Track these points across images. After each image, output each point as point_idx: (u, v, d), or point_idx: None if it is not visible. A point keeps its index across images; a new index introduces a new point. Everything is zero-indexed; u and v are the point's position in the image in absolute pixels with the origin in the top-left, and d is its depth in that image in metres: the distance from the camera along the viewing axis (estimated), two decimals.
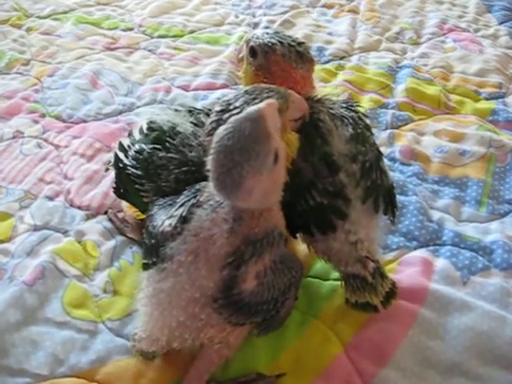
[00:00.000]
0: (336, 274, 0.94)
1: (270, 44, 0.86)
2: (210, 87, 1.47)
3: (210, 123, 0.77)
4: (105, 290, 0.98)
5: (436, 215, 1.11)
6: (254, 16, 1.82)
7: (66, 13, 1.82)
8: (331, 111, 0.86)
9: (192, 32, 1.72)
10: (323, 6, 1.89)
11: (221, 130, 0.67)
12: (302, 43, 0.88)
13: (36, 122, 1.36)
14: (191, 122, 0.94)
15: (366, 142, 0.87)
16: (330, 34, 1.72)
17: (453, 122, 1.35)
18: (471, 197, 1.15)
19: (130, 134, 0.97)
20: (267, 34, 0.88)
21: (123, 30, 1.73)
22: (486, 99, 1.45)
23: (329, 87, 1.45)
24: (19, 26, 1.75)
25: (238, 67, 1.43)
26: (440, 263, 1.01)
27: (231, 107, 0.75)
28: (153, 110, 1.37)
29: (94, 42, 1.66)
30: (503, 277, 0.99)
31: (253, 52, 0.88)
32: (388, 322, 0.90)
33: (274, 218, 0.75)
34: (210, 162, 0.68)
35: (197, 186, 0.78)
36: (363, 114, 0.90)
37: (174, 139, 0.90)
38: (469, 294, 0.96)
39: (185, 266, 0.73)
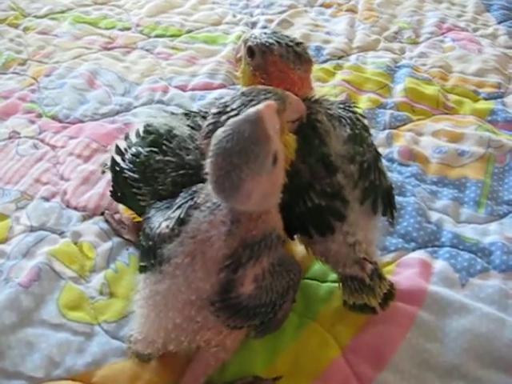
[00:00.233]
0: (334, 276, 0.94)
1: (267, 44, 0.86)
2: (208, 87, 1.46)
3: (207, 126, 0.76)
4: (101, 291, 0.97)
5: (434, 216, 1.10)
6: (251, 15, 1.81)
7: (63, 12, 1.81)
8: (329, 112, 0.86)
9: (189, 31, 1.72)
10: (321, 5, 1.88)
11: (219, 133, 0.67)
12: (300, 43, 0.87)
13: (32, 122, 1.35)
14: (188, 125, 0.93)
15: (363, 143, 0.86)
16: (328, 33, 1.71)
17: (451, 122, 1.35)
18: (470, 198, 1.15)
19: (127, 137, 0.97)
20: (265, 33, 0.88)
21: (120, 30, 1.72)
22: (485, 99, 1.45)
23: (327, 87, 1.44)
24: (16, 26, 1.74)
25: (236, 67, 1.43)
26: (438, 265, 1.00)
27: (228, 109, 0.75)
28: (150, 110, 1.37)
29: (91, 42, 1.66)
30: (502, 279, 0.99)
31: (250, 52, 0.88)
32: (386, 325, 0.90)
33: (272, 220, 0.74)
34: (208, 164, 0.68)
35: (194, 188, 0.77)
36: (361, 115, 0.90)
37: (170, 142, 0.90)
38: (467, 296, 0.95)
39: (181, 268, 0.73)
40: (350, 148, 0.84)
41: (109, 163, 0.98)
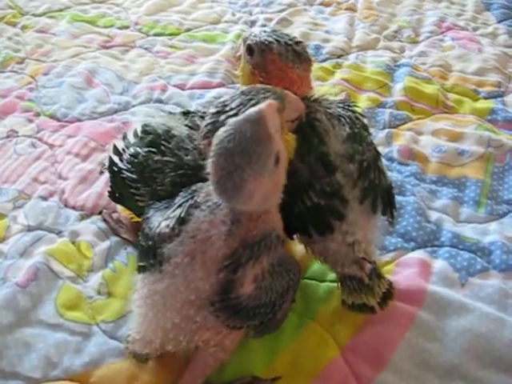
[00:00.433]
0: (333, 276, 0.94)
1: (266, 42, 0.85)
2: (207, 86, 1.46)
3: (206, 126, 0.76)
4: (99, 291, 0.97)
5: (434, 216, 1.10)
6: (250, 14, 1.81)
7: (61, 11, 1.81)
8: (328, 111, 0.85)
9: (188, 30, 1.71)
10: (320, 3, 1.88)
11: (221, 133, 0.66)
12: (300, 42, 0.87)
13: (30, 121, 1.34)
14: (186, 125, 0.93)
15: (363, 142, 0.86)
16: (327, 32, 1.71)
17: (451, 122, 1.34)
18: (470, 197, 1.14)
19: (125, 137, 0.96)
20: (265, 32, 0.87)
21: (119, 28, 1.71)
22: (485, 98, 1.44)
23: (326, 86, 1.44)
24: (14, 24, 1.73)
25: (236, 66, 1.42)
26: (438, 264, 1.00)
27: (227, 109, 0.74)
28: (148, 109, 1.37)
29: (90, 40, 1.65)
30: (502, 278, 0.98)
31: (250, 50, 0.87)
32: (385, 325, 0.89)
33: (272, 220, 0.74)
34: (210, 165, 0.67)
35: (193, 187, 0.77)
36: (360, 114, 0.89)
37: (169, 143, 0.89)
38: (467, 296, 0.95)
39: (181, 267, 0.72)
40: (350, 147, 0.84)
41: (107, 163, 0.98)
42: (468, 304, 0.93)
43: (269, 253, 0.73)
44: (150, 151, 0.90)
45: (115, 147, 0.96)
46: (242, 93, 0.76)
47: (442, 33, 1.73)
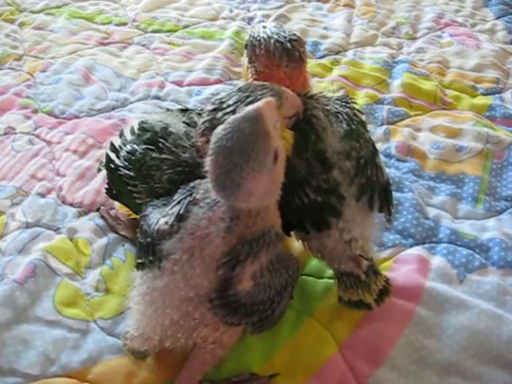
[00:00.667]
0: (331, 272, 0.93)
1: (258, 38, 0.85)
2: (204, 82, 1.46)
3: (203, 123, 0.76)
4: (97, 288, 0.97)
5: (432, 212, 1.10)
6: (248, 10, 1.80)
7: (59, 7, 1.80)
8: (326, 107, 0.85)
9: (186, 27, 1.71)
10: (318, 0, 1.87)
11: (219, 130, 0.66)
12: (295, 40, 0.85)
13: (28, 117, 1.34)
14: (184, 122, 0.93)
15: (360, 139, 0.86)
16: (325, 28, 1.70)
17: (449, 118, 1.34)
18: (468, 193, 1.14)
19: (121, 135, 0.96)
20: (264, 27, 0.87)
21: (117, 25, 1.71)
22: (483, 95, 1.44)
23: (324, 82, 1.43)
24: (12, 21, 1.73)
25: (234, 62, 1.43)
26: (436, 261, 1.00)
27: (224, 105, 0.74)
28: (146, 105, 1.36)
29: (87, 37, 1.65)
30: (500, 275, 0.98)
31: (245, 45, 0.87)
32: (383, 321, 0.89)
33: (270, 216, 0.74)
34: (208, 162, 0.67)
35: (191, 184, 0.77)
36: (358, 111, 0.89)
37: (166, 140, 0.89)
38: (465, 293, 0.95)
39: (180, 264, 0.73)
40: (347, 144, 0.84)
41: (104, 161, 0.97)
42: (466, 301, 0.93)
43: (267, 250, 0.73)
44: (147, 148, 0.90)
45: (112, 144, 0.96)
46: (239, 89, 0.76)
47: (440, 29, 1.72)
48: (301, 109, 0.80)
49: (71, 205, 1.12)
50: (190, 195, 0.75)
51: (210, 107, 0.76)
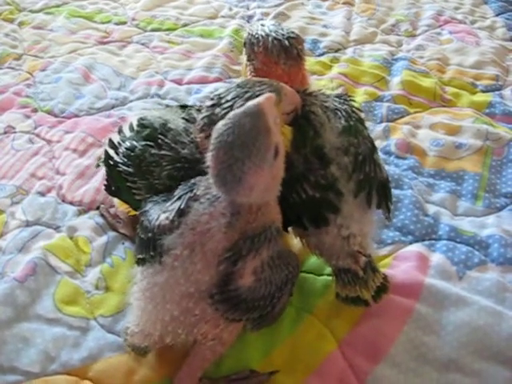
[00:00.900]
0: (330, 269, 0.93)
1: (256, 35, 0.85)
2: (204, 81, 1.46)
3: (202, 119, 0.76)
4: (97, 286, 0.97)
5: (432, 209, 1.10)
6: (248, 9, 1.80)
7: (58, 6, 1.81)
8: (324, 104, 0.85)
9: (185, 25, 1.71)
10: None
11: (220, 126, 0.67)
12: (293, 38, 0.86)
13: (28, 116, 1.34)
14: (183, 118, 0.93)
15: (358, 135, 0.86)
16: (324, 26, 1.71)
17: (449, 115, 1.34)
18: (467, 190, 1.14)
19: (120, 131, 0.96)
20: (262, 25, 0.87)
21: (116, 24, 1.71)
22: (483, 92, 1.44)
23: (324, 80, 1.43)
24: (11, 20, 1.73)
25: (233, 60, 1.43)
26: (436, 258, 1.00)
27: (222, 101, 0.74)
28: (145, 104, 1.37)
29: (87, 36, 1.65)
30: (499, 271, 0.98)
31: (244, 43, 0.87)
32: (383, 318, 0.89)
33: (271, 212, 0.75)
34: (209, 158, 0.67)
35: (192, 181, 0.77)
36: (357, 108, 0.89)
37: (166, 136, 0.89)
38: (465, 289, 0.95)
39: (180, 259, 0.73)
40: (345, 140, 0.84)
41: (103, 157, 0.97)
42: (466, 297, 0.93)
43: (268, 245, 0.73)
44: (146, 145, 0.90)
45: (110, 141, 0.96)
46: (238, 85, 0.76)
47: (440, 26, 1.72)
48: (299, 105, 0.80)
49: (71, 203, 1.12)
50: (191, 191, 0.75)
51: (208, 103, 0.76)
